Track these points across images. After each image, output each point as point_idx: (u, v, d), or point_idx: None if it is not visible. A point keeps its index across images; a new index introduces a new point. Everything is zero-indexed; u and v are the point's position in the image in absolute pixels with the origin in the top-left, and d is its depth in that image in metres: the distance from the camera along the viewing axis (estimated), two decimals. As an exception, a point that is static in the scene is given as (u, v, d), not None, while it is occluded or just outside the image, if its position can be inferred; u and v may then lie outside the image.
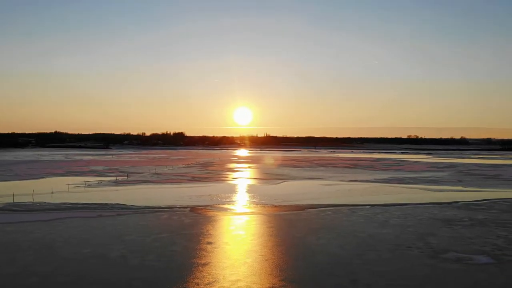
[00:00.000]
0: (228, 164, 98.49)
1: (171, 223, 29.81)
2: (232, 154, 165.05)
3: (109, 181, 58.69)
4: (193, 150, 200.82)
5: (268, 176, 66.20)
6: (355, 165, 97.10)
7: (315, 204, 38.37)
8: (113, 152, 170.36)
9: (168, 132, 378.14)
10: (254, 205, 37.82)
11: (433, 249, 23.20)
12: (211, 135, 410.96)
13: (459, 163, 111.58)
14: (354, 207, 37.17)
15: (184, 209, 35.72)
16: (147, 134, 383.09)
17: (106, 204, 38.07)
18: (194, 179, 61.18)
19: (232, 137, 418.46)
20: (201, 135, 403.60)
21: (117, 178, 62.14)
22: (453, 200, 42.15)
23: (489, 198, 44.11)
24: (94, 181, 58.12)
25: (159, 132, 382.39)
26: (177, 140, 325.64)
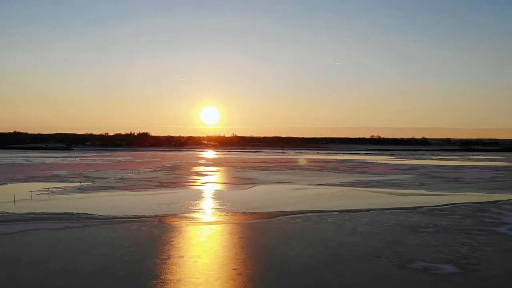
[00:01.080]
0: (195, 167, 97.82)
1: (141, 235, 29.31)
2: (199, 156, 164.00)
3: (73, 187, 57.11)
4: (159, 152, 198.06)
5: (237, 181, 66.21)
6: (321, 167, 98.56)
7: (285, 211, 38.68)
8: (75, 154, 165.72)
9: (132, 132, 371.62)
10: (225, 213, 37.73)
11: (401, 258, 23.86)
12: (177, 135, 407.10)
13: (421, 164, 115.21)
14: (323, 214, 37.72)
15: (153, 218, 35.20)
16: (110, 134, 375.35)
17: (72, 213, 37.01)
18: (162, 185, 60.40)
19: (199, 137, 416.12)
20: (166, 135, 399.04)
21: (82, 184, 60.55)
22: (417, 205, 43.44)
23: (451, 202, 45.73)
24: (58, 187, 56.40)
25: (123, 132, 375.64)
26: (142, 141, 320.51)
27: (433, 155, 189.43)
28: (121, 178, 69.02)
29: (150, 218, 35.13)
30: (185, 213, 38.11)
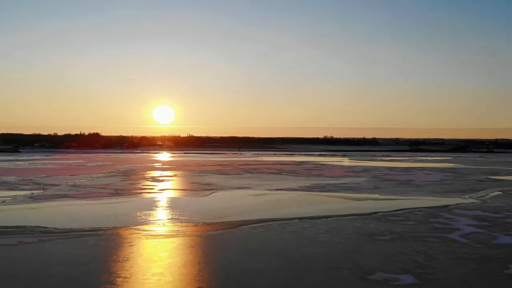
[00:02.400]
0: (151, 171, 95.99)
1: (99, 250, 28.44)
2: (154, 158, 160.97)
3: (24, 195, 54.50)
4: (112, 154, 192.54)
5: (196, 187, 65.63)
6: (279, 170, 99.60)
7: (246, 220, 38.79)
8: (23, 157, 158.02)
9: (82, 133, 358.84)
10: (186, 224, 37.30)
11: (362, 269, 24.58)
12: (129, 134, 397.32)
13: (373, 166, 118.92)
14: (284, 222, 38.15)
15: (111, 231, 34.23)
16: (60, 134, 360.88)
17: (25, 227, 35.35)
18: (117, 193, 58.81)
19: (153, 137, 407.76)
20: (118, 134, 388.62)
21: (33, 192, 57.88)
22: (373, 211, 44.85)
23: (405, 207, 47.55)
24: (8, 196, 53.65)
25: (72, 132, 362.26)
26: (93, 142, 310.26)
27: (383, 156, 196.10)
28: (74, 185, 66.60)
29: (108, 231, 34.14)
30: (144, 224, 37.35)
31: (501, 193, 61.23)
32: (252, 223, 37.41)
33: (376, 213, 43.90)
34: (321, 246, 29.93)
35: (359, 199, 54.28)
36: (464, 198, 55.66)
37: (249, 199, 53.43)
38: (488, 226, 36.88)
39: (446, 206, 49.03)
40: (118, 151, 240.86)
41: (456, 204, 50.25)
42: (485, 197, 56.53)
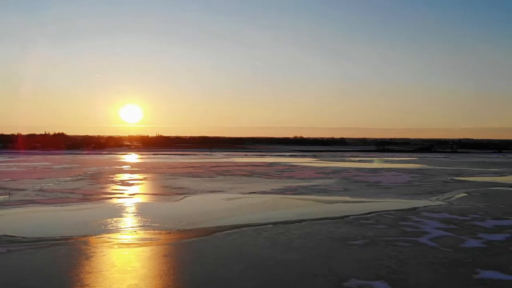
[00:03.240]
0: (120, 174, 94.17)
1: (71, 261, 27.69)
2: (123, 160, 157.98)
3: (-14, 203, 52.42)
4: (78, 156, 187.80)
5: (167, 191, 64.87)
6: (251, 172, 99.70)
7: (221, 226, 38.68)
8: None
9: (47, 133, 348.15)
10: (159, 232, 36.83)
11: (336, 275, 24.99)
12: (95, 134, 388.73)
13: (342, 167, 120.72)
14: (258, 228, 38.26)
15: (83, 240, 33.46)
16: (23, 134, 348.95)
17: (-10, 237, 34.04)
18: (87, 198, 57.45)
19: (120, 137, 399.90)
20: (83, 134, 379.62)
21: (-4, 198, 55.78)
22: (344, 214, 45.60)
23: (375, 210, 48.53)
24: (-32, 204, 51.48)
25: (37, 132, 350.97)
26: (58, 142, 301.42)
27: (352, 156, 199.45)
28: (41, 190, 64.63)
29: (79, 240, 33.34)
30: (116, 232, 36.67)
31: (466, 194, 63.39)
32: (227, 229, 37.34)
33: (347, 216, 44.65)
34: (295, 252, 30.20)
35: (331, 202, 55.07)
36: (431, 200, 57.32)
37: (222, 204, 53.26)
38: (456, 229, 38.13)
39: (415, 208, 50.36)
40: (84, 152, 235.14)
41: (424, 207, 51.67)
42: (451, 199, 58.40)
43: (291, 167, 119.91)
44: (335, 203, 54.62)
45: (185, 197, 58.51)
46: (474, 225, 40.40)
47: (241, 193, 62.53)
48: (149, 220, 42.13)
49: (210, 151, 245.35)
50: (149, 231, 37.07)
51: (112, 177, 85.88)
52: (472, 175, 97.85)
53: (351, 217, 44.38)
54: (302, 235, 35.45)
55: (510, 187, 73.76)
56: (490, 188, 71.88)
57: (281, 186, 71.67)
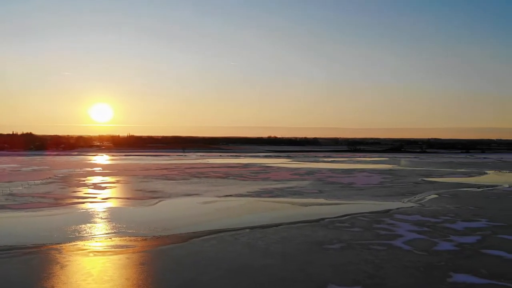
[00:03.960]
0: (92, 177, 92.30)
1: (45, 271, 26.96)
2: (94, 162, 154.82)
3: (-48, 209, 50.47)
4: (48, 157, 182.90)
5: (141, 194, 63.99)
6: (226, 174, 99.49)
7: (197, 232, 38.46)
8: None
9: (15, 132, 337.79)
10: (135, 238, 36.30)
11: (314, 282, 25.28)
12: (64, 134, 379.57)
13: (316, 168, 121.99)
14: (235, 233, 38.27)
15: (56, 248, 32.65)
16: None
17: (-43, 247, 32.79)
18: (58, 203, 56.08)
19: (90, 137, 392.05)
20: (52, 134, 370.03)
21: (-38, 204, 53.76)
22: (320, 217, 46.13)
23: (349, 212, 49.29)
24: None
25: (3, 132, 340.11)
26: (26, 143, 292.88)
27: (325, 157, 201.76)
28: (10, 194, 62.70)
29: (52, 248, 32.51)
30: (91, 239, 35.95)
31: (437, 196, 65.12)
32: (204, 235, 37.18)
33: (323, 219, 45.18)
34: (273, 258, 30.36)
35: (306, 205, 55.57)
36: (403, 202, 58.63)
37: (198, 208, 52.97)
38: (428, 232, 39.13)
39: (388, 210, 51.42)
40: (54, 153, 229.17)
41: (397, 209, 52.83)
42: (423, 201, 59.88)
43: (266, 168, 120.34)
44: (310, 205, 55.16)
45: (160, 201, 57.86)
46: (446, 227, 41.57)
47: (217, 196, 62.34)
48: (124, 226, 41.47)
49: (184, 152, 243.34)
50: (124, 238, 36.50)
51: (84, 180, 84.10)
52: (442, 176, 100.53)
53: (326, 220, 44.93)
54: (279, 240, 35.66)
55: (478, 188, 76.19)
56: (459, 189, 74.08)
57: (256, 188, 71.84)
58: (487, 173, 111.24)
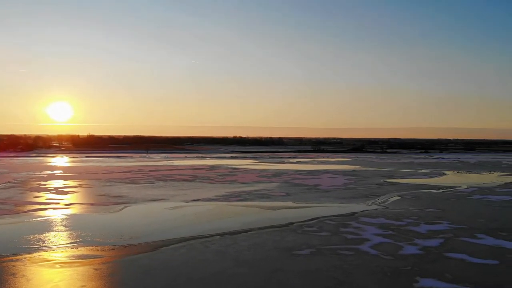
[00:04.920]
0: (54, 181, 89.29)
1: (10, 284, 25.85)
2: (55, 164, 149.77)
3: None
4: (5, 159, 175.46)
5: (105, 200, 62.47)
6: (193, 176, 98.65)
7: (166, 240, 37.98)
8: None
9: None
10: (102, 248, 35.42)
11: (287, 290, 25.54)
12: (20, 133, 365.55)
13: (282, 170, 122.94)
14: (205, 240, 38.06)
15: (18, 259, 31.35)
16: None
17: None
18: (19, 209, 53.93)
19: (49, 137, 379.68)
20: (8, 133, 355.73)
21: None
22: (289, 221, 46.61)
23: (317, 216, 50.07)
24: None
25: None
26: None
27: (290, 157, 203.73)
28: (-36, 201, 59.68)
29: (15, 259, 31.18)
30: (56, 249, 34.77)
31: (399, 198, 67.08)
32: (173, 243, 36.75)
33: (292, 223, 45.67)
34: (245, 266, 30.42)
35: (275, 208, 55.97)
36: (368, 205, 60.06)
37: (166, 214, 52.27)
38: (393, 236, 40.28)
39: (353, 213, 52.55)
40: (11, 154, 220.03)
41: (362, 211, 54.09)
42: (386, 203, 61.55)
43: (233, 170, 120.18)
44: (279, 209, 55.60)
45: (125, 207, 56.69)
46: (410, 230, 42.91)
47: (185, 201, 61.73)
48: (90, 234, 40.38)
49: (147, 153, 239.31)
50: (91, 247, 35.54)
51: (45, 184, 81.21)
52: (403, 177, 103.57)
53: (295, 224, 45.43)
54: (250, 247, 35.75)
55: (438, 189, 79.03)
56: (420, 190, 76.61)
57: (224, 191, 71.66)
58: (446, 174, 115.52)
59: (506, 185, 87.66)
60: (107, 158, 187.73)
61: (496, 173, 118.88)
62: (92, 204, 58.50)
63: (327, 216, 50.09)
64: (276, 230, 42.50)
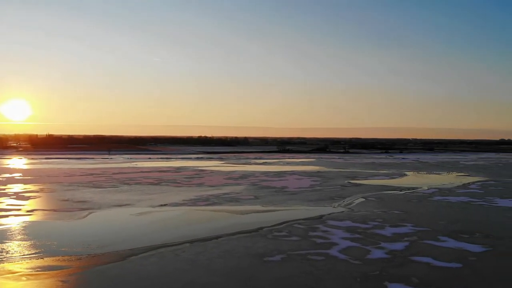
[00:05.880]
0: (13, 185, 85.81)
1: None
2: (13, 166, 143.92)
3: None
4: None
5: (69, 205, 60.68)
6: (158, 179, 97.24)
7: (135, 248, 37.36)
8: None
9: None
10: (68, 258, 34.42)
11: (261, 298, 25.75)
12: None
13: (249, 171, 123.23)
14: (175, 248, 37.73)
15: (-20, 274, 30.12)
16: None
17: None
18: (-23, 217, 51.59)
19: (6, 137, 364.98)
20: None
21: None
22: (258, 226, 46.88)
23: (286, 220, 50.61)
24: None
25: None
26: None
27: (256, 158, 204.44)
28: None
29: (-24, 275, 29.93)
30: (21, 260, 33.47)
31: (364, 199, 68.76)
32: (142, 252, 36.22)
33: (262, 228, 45.96)
34: (218, 274, 30.42)
35: (243, 213, 56.13)
36: (334, 207, 61.25)
37: (133, 220, 51.34)
38: (360, 239, 41.31)
39: (321, 216, 53.50)
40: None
41: (329, 214, 55.14)
42: (351, 205, 62.97)
43: (200, 172, 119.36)
44: (248, 213, 55.80)
45: (90, 213, 55.27)
46: (376, 233, 44.12)
47: (151, 206, 60.82)
48: (55, 243, 39.18)
49: (109, 154, 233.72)
50: (57, 257, 34.49)
51: (4, 189, 77.93)
52: (366, 178, 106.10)
53: (265, 229, 45.75)
54: (221, 254, 35.74)
55: (400, 190, 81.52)
56: (384, 192, 78.81)
57: (192, 195, 71.14)
58: (407, 175, 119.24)
59: (464, 186, 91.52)
60: (67, 159, 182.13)
61: (454, 174, 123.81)
62: (55, 210, 56.70)
63: (296, 220, 50.70)
64: (246, 235, 42.65)
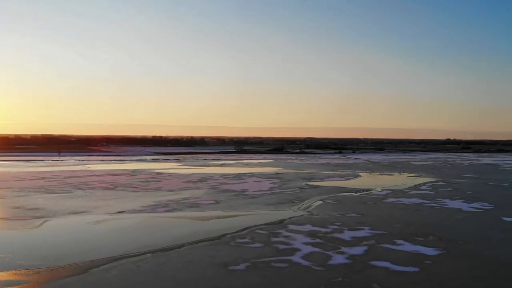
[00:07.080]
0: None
1: None
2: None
3: None
4: None
5: (21, 213, 58.01)
6: (113, 184, 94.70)
7: (95, 260, 36.36)
8: None
9: None
10: (26, 271, 32.96)
11: (228, 310, 25.88)
12: None
13: (208, 174, 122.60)
14: (137, 258, 37.06)
15: None
16: None
17: None
18: None
19: None
20: None
21: None
22: (221, 233, 46.86)
23: (248, 225, 50.93)
24: None
25: None
26: None
27: (214, 159, 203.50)
28: None
29: None
30: (-29, 278, 31.80)
31: (322, 202, 70.29)
32: (103, 264, 35.32)
33: (224, 235, 45.98)
34: (182, 286, 30.24)
35: (204, 219, 55.89)
36: (294, 211, 62.24)
37: (90, 229, 49.80)
38: (321, 244, 42.28)
39: (282, 221, 54.24)
40: None
41: (289, 218, 55.99)
42: (310, 208, 64.23)
43: (156, 175, 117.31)
44: (209, 219, 55.61)
45: (44, 221, 53.14)
46: (336, 237, 45.32)
47: (109, 213, 59.24)
48: (10, 255, 37.43)
49: (59, 155, 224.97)
50: (14, 272, 32.95)
51: None
52: (322, 180, 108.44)
53: (228, 236, 45.82)
54: (185, 264, 35.50)
55: (355, 192, 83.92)
56: (340, 194, 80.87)
57: (150, 201, 69.93)
58: (360, 176, 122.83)
59: (415, 187, 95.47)
60: (15, 161, 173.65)
61: (405, 174, 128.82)
62: (7, 219, 54.09)
63: (258, 226, 51.11)
64: (209, 243, 42.56)
